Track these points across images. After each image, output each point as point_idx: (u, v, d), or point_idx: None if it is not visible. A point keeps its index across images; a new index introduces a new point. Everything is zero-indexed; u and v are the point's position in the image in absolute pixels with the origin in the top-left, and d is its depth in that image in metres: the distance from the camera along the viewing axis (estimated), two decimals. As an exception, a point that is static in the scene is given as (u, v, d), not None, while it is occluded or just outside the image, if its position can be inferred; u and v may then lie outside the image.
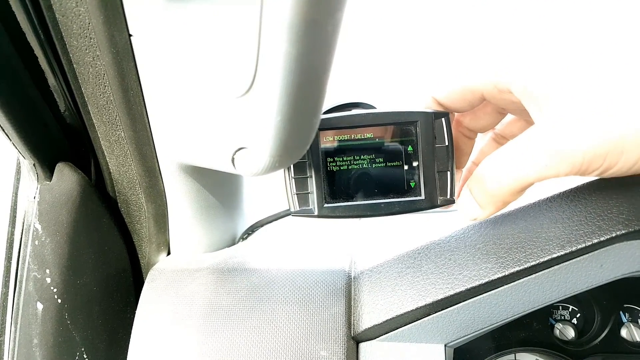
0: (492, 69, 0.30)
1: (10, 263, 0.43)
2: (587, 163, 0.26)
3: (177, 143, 0.33)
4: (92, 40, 0.30)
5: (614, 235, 0.30)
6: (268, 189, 0.51)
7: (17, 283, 0.41)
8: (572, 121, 0.25)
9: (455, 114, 0.37)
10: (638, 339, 0.46)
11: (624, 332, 0.47)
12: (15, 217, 0.43)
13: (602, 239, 0.30)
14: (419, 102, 0.36)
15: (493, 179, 0.29)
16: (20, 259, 0.41)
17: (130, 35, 0.29)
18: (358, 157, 0.36)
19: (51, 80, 0.36)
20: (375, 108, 0.42)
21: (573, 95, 0.26)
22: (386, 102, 0.43)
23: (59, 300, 0.40)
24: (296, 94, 0.21)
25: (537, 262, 0.32)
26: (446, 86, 0.34)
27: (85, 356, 0.42)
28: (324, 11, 0.17)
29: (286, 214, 0.48)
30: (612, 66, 0.25)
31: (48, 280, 0.39)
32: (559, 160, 0.26)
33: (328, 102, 0.42)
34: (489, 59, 0.31)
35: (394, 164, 0.36)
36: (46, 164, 0.39)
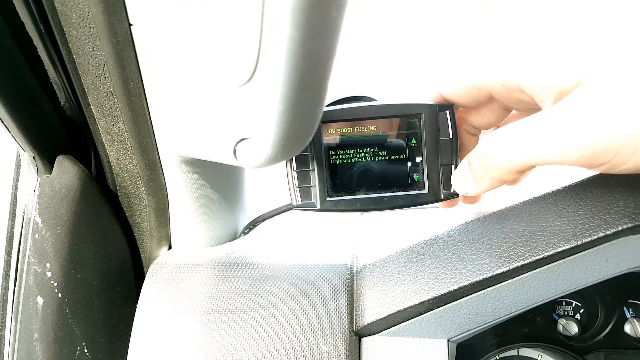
0: (501, 67, 0.30)
1: (11, 257, 0.43)
2: (596, 154, 0.24)
3: (178, 135, 0.32)
4: (91, 30, 0.30)
5: (620, 229, 0.30)
6: (270, 183, 0.51)
7: (17, 277, 0.41)
8: (587, 110, 0.24)
9: (460, 108, 0.36)
10: (641, 335, 0.46)
11: (627, 328, 0.47)
12: (15, 210, 0.43)
13: (607, 232, 0.30)
14: (423, 96, 0.36)
15: (495, 154, 0.29)
16: (21, 252, 0.41)
17: (130, 25, 0.28)
18: (361, 151, 0.35)
19: (51, 71, 0.36)
20: (376, 101, 0.42)
21: (591, 88, 0.25)
22: (389, 96, 0.42)
23: (60, 295, 0.39)
24: (299, 81, 0.20)
25: (542, 256, 0.31)
26: (453, 82, 0.33)
27: (86, 350, 0.42)
28: (328, -6, 0.17)
29: (288, 208, 0.48)
30: (632, 59, 0.24)
31: (48, 274, 0.39)
32: (567, 147, 0.25)
33: (330, 96, 0.41)
34: (496, 56, 0.31)
35: (398, 157, 0.36)
36: (46, 156, 0.39)
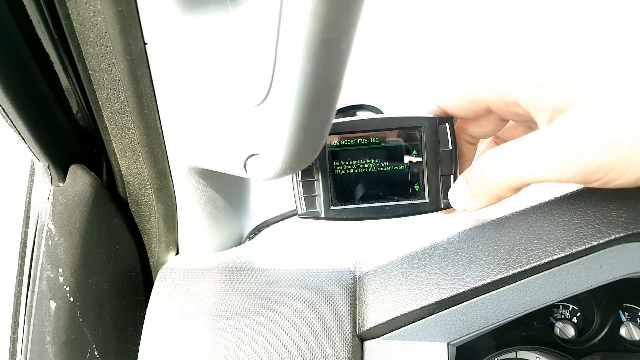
0: (498, 80, 0.30)
1: (24, 262, 0.44)
2: (591, 172, 0.25)
3: (189, 148, 0.34)
4: (108, 48, 0.31)
5: (613, 237, 0.31)
6: (274, 190, 0.52)
7: (31, 282, 0.42)
8: (581, 130, 0.25)
9: (458, 120, 0.37)
10: (637, 338, 0.47)
11: (623, 331, 0.48)
12: (29, 217, 0.44)
13: (601, 241, 0.31)
14: (424, 106, 0.37)
15: (493, 172, 0.29)
16: (34, 258, 0.42)
17: (145, 44, 0.30)
18: (364, 161, 0.37)
19: (65, 84, 0.37)
20: (379, 110, 0.43)
21: (584, 107, 0.26)
22: (390, 103, 0.44)
23: (72, 299, 0.40)
24: (310, 106, 0.21)
25: (538, 263, 0.32)
26: (452, 95, 0.34)
27: (96, 353, 0.43)
28: (338, 31, 0.18)
29: (292, 214, 0.49)
30: (621, 76, 0.25)
31: (61, 279, 0.40)
32: (563, 166, 0.26)
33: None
34: (494, 68, 0.31)
35: (399, 167, 0.37)
36: (60, 165, 0.40)
